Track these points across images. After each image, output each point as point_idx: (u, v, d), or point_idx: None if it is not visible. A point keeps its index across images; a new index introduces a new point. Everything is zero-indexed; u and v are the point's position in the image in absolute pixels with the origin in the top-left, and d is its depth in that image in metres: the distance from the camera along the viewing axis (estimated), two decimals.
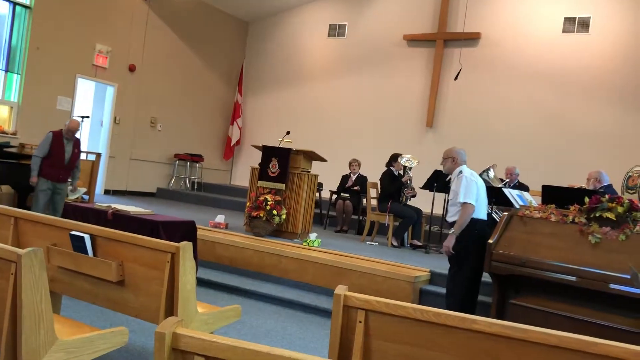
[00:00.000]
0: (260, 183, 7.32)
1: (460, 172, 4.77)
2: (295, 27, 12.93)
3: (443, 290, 5.65)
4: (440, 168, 7.87)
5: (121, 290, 3.06)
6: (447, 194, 7.89)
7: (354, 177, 9.29)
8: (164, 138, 11.99)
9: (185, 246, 2.88)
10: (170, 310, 2.86)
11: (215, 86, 13.05)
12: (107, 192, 10.88)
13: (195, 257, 3.52)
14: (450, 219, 4.79)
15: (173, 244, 2.89)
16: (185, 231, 4.83)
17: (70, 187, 6.98)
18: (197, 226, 5.16)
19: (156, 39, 11.52)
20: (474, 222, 4.70)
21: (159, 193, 11.90)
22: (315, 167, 7.85)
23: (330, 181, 9.70)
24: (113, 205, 5.00)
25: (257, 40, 13.48)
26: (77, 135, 6.98)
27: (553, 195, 5.33)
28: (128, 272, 3.04)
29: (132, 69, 11.11)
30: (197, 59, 12.48)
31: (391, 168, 8.23)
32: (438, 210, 7.88)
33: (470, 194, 4.66)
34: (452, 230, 4.65)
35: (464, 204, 4.64)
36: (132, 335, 3.63)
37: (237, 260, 6.43)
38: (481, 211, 4.82)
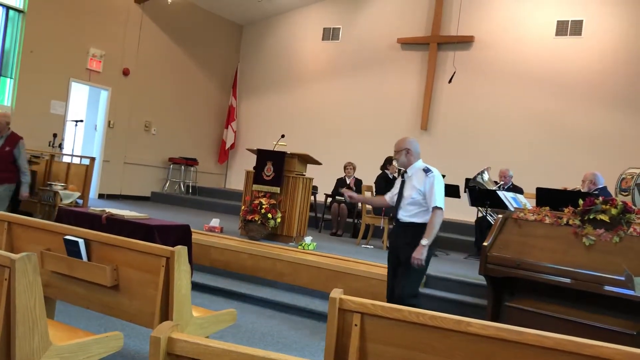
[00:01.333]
0: (255, 186, 7.31)
1: (429, 170, 4.29)
2: (289, 31, 12.95)
3: (438, 293, 5.67)
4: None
5: (116, 294, 3.05)
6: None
7: (348, 181, 9.29)
8: (159, 142, 11.96)
9: (180, 250, 2.87)
10: (165, 315, 2.85)
11: (210, 90, 13.04)
12: (101, 196, 10.84)
13: (190, 261, 3.51)
14: (406, 218, 4.28)
15: (168, 248, 2.89)
16: (179, 235, 4.81)
17: (22, 194, 6.45)
18: (192, 230, 5.14)
19: (150, 43, 11.51)
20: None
21: (154, 197, 11.87)
22: (310, 171, 7.85)
23: (325, 184, 9.70)
24: (107, 210, 4.98)
25: (251, 43, 13.48)
26: (32, 134, 6.32)
27: (547, 197, 5.35)
28: (123, 277, 3.02)
29: (126, 73, 11.09)
30: (191, 62, 12.48)
31: (386, 171, 8.24)
32: None
33: (443, 197, 4.28)
34: (424, 239, 4.12)
35: (437, 209, 4.20)
36: (127, 340, 3.62)
37: (232, 264, 6.42)
38: None
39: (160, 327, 1.40)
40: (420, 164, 4.37)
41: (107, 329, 4.07)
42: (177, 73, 12.18)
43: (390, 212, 8.22)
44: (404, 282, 4.23)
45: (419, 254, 4.11)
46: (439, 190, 4.23)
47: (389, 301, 4.12)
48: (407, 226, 4.27)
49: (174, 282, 2.84)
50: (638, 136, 9.31)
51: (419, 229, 4.21)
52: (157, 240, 4.44)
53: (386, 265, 6.07)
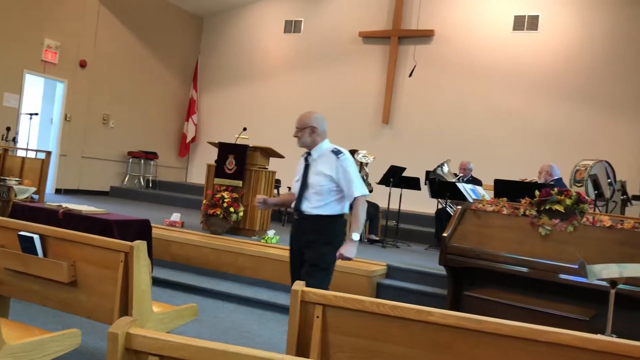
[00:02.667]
0: (217, 180, 7.25)
1: (339, 152, 3.60)
2: (250, 23, 12.84)
3: (400, 284, 5.74)
4: (397, 163, 8.05)
5: (73, 291, 2.98)
6: (401, 189, 8.03)
7: None
8: (117, 135, 11.72)
9: (139, 245, 2.82)
10: (125, 311, 2.81)
11: (170, 82, 12.83)
12: (58, 191, 10.57)
13: (150, 256, 3.46)
14: (311, 210, 3.56)
15: (126, 243, 2.84)
16: (139, 230, 4.73)
17: None
18: (152, 225, 5.07)
19: (108, 34, 11.24)
20: (342, 217, 3.69)
21: (113, 192, 11.64)
22: (273, 164, 7.82)
23: (288, 178, 9.66)
24: (64, 205, 4.86)
25: (212, 35, 13.32)
26: None
27: (505, 188, 5.47)
28: (80, 273, 2.96)
29: (82, 64, 10.81)
30: (150, 54, 12.25)
31: None
32: (394, 205, 7.97)
33: (361, 181, 3.63)
34: (354, 233, 3.51)
35: (360, 198, 3.56)
36: (86, 337, 3.54)
37: (193, 258, 6.35)
38: None
39: (118, 323, 1.38)
40: (327, 144, 3.67)
41: (65, 326, 3.97)
42: (136, 65, 11.94)
43: None
44: (310, 283, 3.55)
45: (349, 252, 3.48)
46: (356, 174, 3.59)
47: None
48: (312, 220, 3.56)
49: (133, 278, 2.79)
50: (592, 129, 9.59)
51: (327, 223, 3.57)
52: (116, 235, 4.36)
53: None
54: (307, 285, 3.25)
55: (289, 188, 9.67)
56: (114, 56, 11.45)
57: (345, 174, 3.54)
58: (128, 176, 11.97)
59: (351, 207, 3.63)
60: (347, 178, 3.54)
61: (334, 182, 3.54)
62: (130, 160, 11.96)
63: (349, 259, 3.51)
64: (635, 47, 9.38)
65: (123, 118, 11.78)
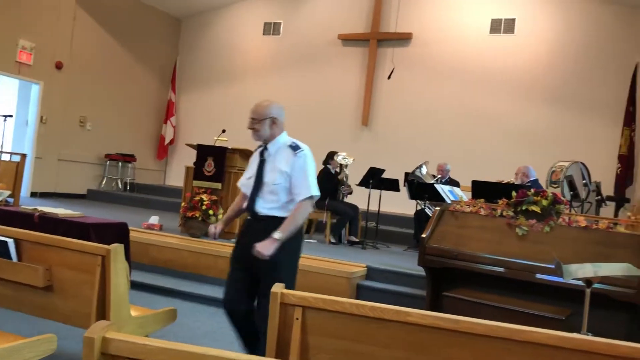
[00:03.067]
0: (196, 183, 7.20)
1: (297, 147, 3.28)
2: (229, 25, 12.79)
3: (380, 285, 5.76)
4: (376, 165, 8.08)
5: (49, 295, 2.94)
6: (381, 190, 8.07)
7: None
8: (95, 138, 11.58)
9: (117, 248, 2.80)
10: (102, 315, 2.78)
11: (148, 84, 12.72)
12: (33, 194, 10.40)
13: (128, 259, 3.43)
14: (267, 211, 3.24)
15: (104, 246, 2.80)
16: (117, 233, 4.68)
17: None
18: (130, 228, 5.01)
19: (84, 36, 11.11)
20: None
21: (90, 195, 11.49)
22: None
23: None
24: (40, 208, 4.78)
25: (190, 37, 13.24)
26: None
27: (482, 190, 5.53)
28: (56, 277, 2.92)
29: (59, 66, 10.66)
30: (128, 56, 12.13)
31: (328, 166, 8.29)
32: (374, 207, 8.00)
33: (316, 181, 3.30)
34: (278, 231, 3.12)
35: (309, 199, 3.22)
36: (62, 342, 3.49)
37: (172, 262, 6.30)
38: None
39: (94, 327, 1.36)
40: (285, 138, 3.35)
41: (41, 332, 3.91)
42: (114, 67, 11.81)
43: (334, 207, 8.29)
44: (269, 297, 3.22)
45: (267, 248, 3.08)
46: (313, 173, 3.27)
47: (236, 321, 3.28)
48: (268, 221, 3.21)
49: (110, 281, 2.77)
50: (567, 131, 9.74)
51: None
52: (93, 239, 4.30)
53: (328, 259, 6.15)
54: (266, 301, 2.77)
55: None
56: (91, 58, 11.32)
57: (300, 171, 3.20)
58: (105, 179, 11.83)
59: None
60: (301, 176, 3.19)
61: (288, 180, 3.21)
62: (108, 162, 11.82)
63: (263, 256, 3.07)
64: (609, 50, 9.55)
65: (100, 120, 11.64)
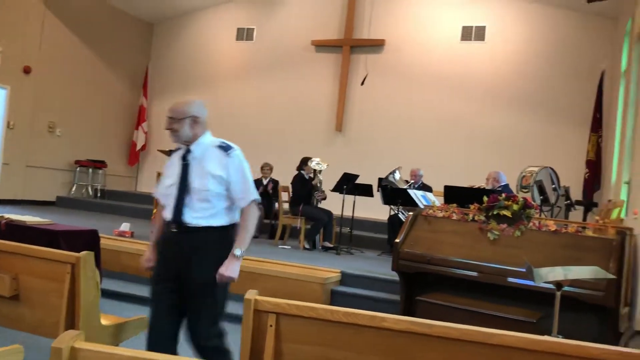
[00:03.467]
0: None
1: (229, 147, 2.97)
2: (202, 30, 12.72)
3: (354, 290, 5.77)
4: (350, 170, 8.10)
5: (16, 305, 2.87)
6: (354, 196, 8.09)
7: (265, 182, 9.25)
8: (64, 143, 11.37)
9: (87, 256, 2.75)
10: (71, 324, 2.72)
11: (119, 89, 12.55)
12: (0, 202, 10.16)
13: (98, 267, 3.36)
14: (198, 221, 2.86)
15: (73, 254, 2.75)
16: (87, 241, 4.60)
17: None
18: (101, 235, 4.93)
19: (54, 40, 10.91)
20: (235, 227, 2.98)
21: (59, 202, 11.27)
22: None
23: None
24: (7, 215, 4.67)
25: (162, 42, 13.12)
26: None
27: (454, 195, 5.59)
28: (23, 286, 2.85)
29: (27, 70, 10.45)
30: (99, 61, 11.95)
31: (302, 172, 8.29)
32: (348, 212, 8.02)
33: (254, 184, 3.01)
34: (237, 248, 2.87)
35: (253, 204, 2.94)
36: (30, 353, 3.40)
37: (144, 269, 6.20)
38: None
39: (62, 337, 1.33)
40: (210, 138, 3.03)
41: (7, 342, 3.81)
42: (84, 71, 11.62)
43: (308, 212, 8.26)
44: (201, 317, 2.87)
45: (231, 270, 2.82)
46: (250, 175, 2.98)
47: (161, 346, 2.86)
48: (199, 233, 2.86)
49: (80, 290, 2.71)
50: (537, 137, 9.92)
51: (218, 237, 2.89)
52: (62, 246, 4.22)
53: (302, 265, 6.13)
54: (197, 322, 2.81)
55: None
56: (61, 62, 11.13)
57: (239, 174, 2.89)
58: (75, 185, 11.62)
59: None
60: (241, 179, 2.90)
61: (223, 185, 2.87)
62: (78, 169, 11.61)
63: (232, 279, 2.84)
64: (576, 58, 9.76)
65: (70, 126, 11.44)
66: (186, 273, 2.86)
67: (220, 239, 2.90)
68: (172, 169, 3.01)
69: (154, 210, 7.10)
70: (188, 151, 2.96)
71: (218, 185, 2.86)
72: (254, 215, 2.93)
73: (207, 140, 3.00)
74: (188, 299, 2.89)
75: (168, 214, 2.92)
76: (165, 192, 2.98)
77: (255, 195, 2.94)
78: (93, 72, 11.84)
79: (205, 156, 2.93)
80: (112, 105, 12.41)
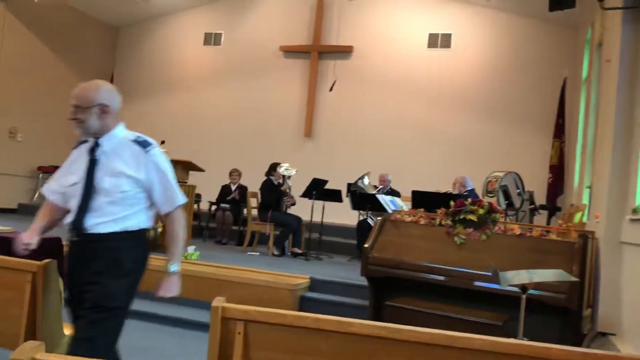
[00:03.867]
0: None
1: (147, 142, 2.55)
2: (169, 34, 12.59)
3: (324, 296, 5.76)
4: (319, 176, 8.11)
5: None
6: (324, 201, 8.09)
7: (233, 188, 9.19)
8: (26, 149, 11.09)
9: (49, 264, 2.67)
10: (32, 335, 2.64)
11: None
12: None
13: (62, 275, 3.28)
14: (102, 227, 2.46)
15: (34, 262, 2.67)
16: (50, 249, 4.47)
17: None
18: (64, 243, 4.82)
19: (14, 43, 10.65)
20: (146, 233, 2.61)
21: (21, 209, 10.98)
22: (193, 178, 7.66)
23: (209, 192, 9.52)
24: None
25: (128, 46, 12.94)
26: None
27: (422, 199, 5.64)
28: None
29: None
30: (62, 64, 11.71)
31: (271, 177, 8.26)
32: (317, 218, 8.02)
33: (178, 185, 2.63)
34: (172, 263, 2.58)
35: (180, 209, 2.61)
36: None
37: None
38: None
39: (22, 348, 1.29)
40: (123, 131, 2.60)
41: None
42: (47, 76, 11.37)
43: (277, 218, 8.23)
44: (94, 334, 2.36)
45: (171, 290, 2.56)
46: (173, 175, 2.61)
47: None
48: (104, 241, 2.45)
49: (41, 300, 2.64)
50: (502, 142, 10.10)
51: (126, 245, 2.49)
52: (24, 255, 4.10)
53: (271, 271, 6.10)
54: (85, 340, 2.30)
55: (212, 203, 9.52)
56: (22, 67, 10.86)
57: (161, 175, 2.53)
58: (38, 192, 11.34)
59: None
60: (163, 181, 2.53)
61: (140, 187, 2.50)
62: (41, 175, 11.34)
63: (179, 293, 2.58)
64: (539, 65, 9.99)
65: (32, 131, 11.16)
66: (87, 286, 2.43)
67: (128, 247, 2.49)
68: (76, 164, 2.58)
69: None
70: (96, 145, 2.54)
71: (133, 187, 2.48)
72: (181, 222, 2.59)
73: (121, 134, 2.56)
74: (82, 316, 2.42)
75: (69, 218, 2.52)
76: (67, 191, 2.56)
77: (180, 199, 2.58)
78: (56, 76, 11.59)
79: (118, 152, 2.51)
80: None
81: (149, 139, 2.58)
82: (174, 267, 2.56)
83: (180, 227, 2.58)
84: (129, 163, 2.49)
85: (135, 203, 2.51)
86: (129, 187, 2.47)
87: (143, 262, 2.60)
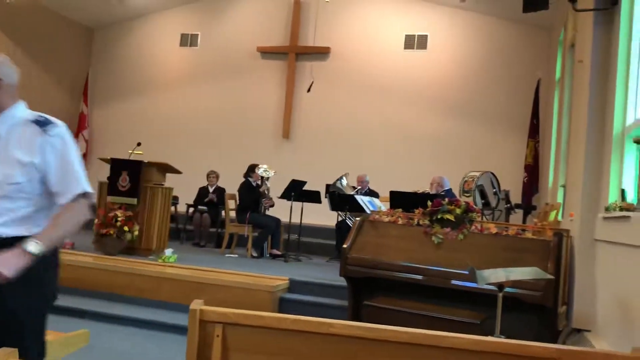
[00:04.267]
0: (110, 198, 6.94)
1: (48, 122, 2.24)
2: (144, 35, 12.46)
3: (303, 297, 5.76)
4: (298, 177, 8.10)
5: None
6: (302, 203, 8.09)
7: (211, 190, 9.14)
8: None
9: None
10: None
11: (57, 96, 12.12)
12: None
13: None
14: (5, 229, 2.08)
15: None
16: None
17: None
18: None
19: None
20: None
21: None
22: (170, 180, 7.60)
23: (186, 194, 9.45)
24: None
25: (103, 48, 12.77)
26: None
27: (400, 200, 5.67)
28: None
29: None
30: (35, 66, 11.51)
31: (249, 179, 8.23)
32: (296, 219, 8.01)
33: (84, 172, 2.21)
34: (33, 242, 1.98)
35: (82, 197, 2.15)
36: None
37: (85, 281, 6.00)
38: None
39: None
40: (23, 110, 2.26)
41: None
42: (20, 78, 11.15)
43: (256, 220, 8.21)
44: (26, 346, 1.98)
45: (8, 265, 1.91)
46: (77, 160, 2.20)
47: None
48: (6, 246, 2.01)
49: None
50: (478, 142, 10.21)
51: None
52: None
53: (250, 273, 6.08)
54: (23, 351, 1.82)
55: (189, 205, 9.46)
56: None
57: (60, 158, 2.12)
58: None
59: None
60: (62, 163, 2.12)
61: (38, 175, 2.10)
62: None
63: (5, 277, 1.91)
64: (513, 66, 10.13)
65: None
66: None
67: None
68: None
69: (95, 220, 6.90)
70: None
71: (29, 177, 2.07)
72: (77, 211, 2.12)
73: (19, 113, 2.20)
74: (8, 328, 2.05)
75: None
76: None
77: (83, 187, 2.14)
78: (29, 78, 11.37)
79: (13, 134, 2.12)
80: (50, 112, 11.64)
81: (53, 119, 2.21)
82: (31, 247, 1.97)
83: (72, 215, 2.10)
84: (24, 146, 2.09)
85: (35, 198, 2.11)
86: (23, 178, 2.06)
87: (53, 268, 2.21)
